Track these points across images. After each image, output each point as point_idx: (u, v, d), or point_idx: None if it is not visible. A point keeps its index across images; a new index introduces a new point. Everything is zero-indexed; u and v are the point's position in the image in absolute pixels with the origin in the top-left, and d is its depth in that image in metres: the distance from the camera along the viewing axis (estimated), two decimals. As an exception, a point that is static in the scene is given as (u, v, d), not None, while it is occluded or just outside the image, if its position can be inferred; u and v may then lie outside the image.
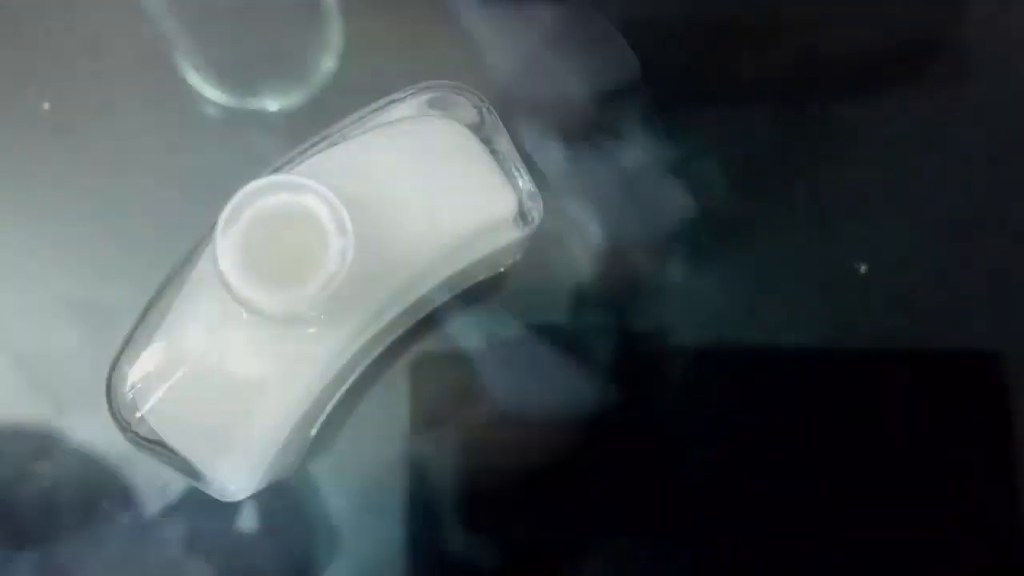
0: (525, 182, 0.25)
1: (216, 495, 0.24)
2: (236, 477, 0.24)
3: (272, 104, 0.33)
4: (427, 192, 0.23)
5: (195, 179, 0.31)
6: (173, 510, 0.30)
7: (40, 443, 0.30)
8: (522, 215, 0.25)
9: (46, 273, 0.31)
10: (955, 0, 0.34)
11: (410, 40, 0.33)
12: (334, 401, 0.27)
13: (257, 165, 0.25)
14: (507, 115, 0.31)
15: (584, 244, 0.32)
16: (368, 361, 0.27)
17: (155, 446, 0.24)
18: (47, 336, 0.30)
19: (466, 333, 0.31)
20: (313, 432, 0.27)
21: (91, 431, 0.27)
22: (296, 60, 0.33)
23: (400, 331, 0.27)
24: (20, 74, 0.32)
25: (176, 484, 0.29)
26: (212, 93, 0.33)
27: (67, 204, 0.32)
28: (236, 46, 0.33)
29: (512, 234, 0.25)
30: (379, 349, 0.27)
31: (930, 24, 0.34)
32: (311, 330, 0.23)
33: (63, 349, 0.30)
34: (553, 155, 0.32)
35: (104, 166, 0.32)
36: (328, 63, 0.33)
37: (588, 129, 0.33)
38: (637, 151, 0.32)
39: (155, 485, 0.30)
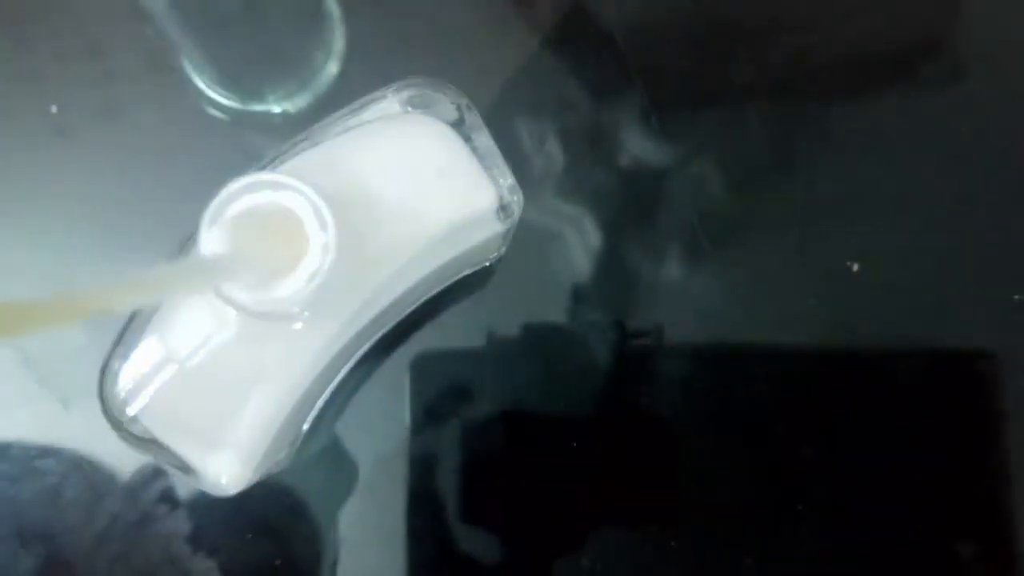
0: (505, 176, 0.25)
1: (209, 490, 0.24)
2: (228, 472, 0.24)
3: (276, 107, 0.33)
4: (408, 188, 0.23)
5: (199, 181, 0.32)
6: (177, 506, 0.30)
7: (45, 440, 0.31)
8: (503, 208, 0.25)
9: (54, 271, 0.32)
10: (953, 0, 0.33)
11: (412, 44, 0.33)
12: (325, 396, 0.27)
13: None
14: (507, 115, 0.32)
15: (582, 243, 0.32)
16: (358, 356, 0.27)
17: (148, 443, 0.24)
18: (54, 335, 0.31)
19: (465, 332, 0.31)
20: (305, 427, 0.27)
21: (96, 428, 0.27)
22: (300, 63, 0.33)
23: (389, 325, 0.27)
24: (28, 79, 0.33)
25: (179, 481, 0.30)
26: (216, 96, 0.33)
27: (74, 204, 0.32)
28: (240, 50, 0.33)
29: (494, 227, 0.25)
30: (368, 344, 0.27)
31: (927, 24, 0.34)
32: (297, 326, 0.23)
33: (70, 348, 0.31)
34: (553, 155, 0.32)
35: (110, 168, 0.33)
36: (331, 67, 0.33)
37: (587, 129, 0.32)
38: (635, 151, 0.32)
39: (157, 482, 0.30)
